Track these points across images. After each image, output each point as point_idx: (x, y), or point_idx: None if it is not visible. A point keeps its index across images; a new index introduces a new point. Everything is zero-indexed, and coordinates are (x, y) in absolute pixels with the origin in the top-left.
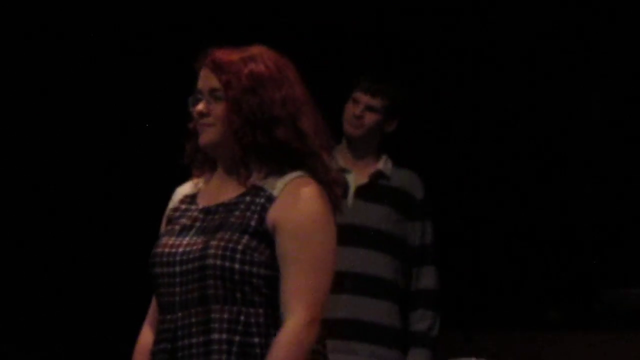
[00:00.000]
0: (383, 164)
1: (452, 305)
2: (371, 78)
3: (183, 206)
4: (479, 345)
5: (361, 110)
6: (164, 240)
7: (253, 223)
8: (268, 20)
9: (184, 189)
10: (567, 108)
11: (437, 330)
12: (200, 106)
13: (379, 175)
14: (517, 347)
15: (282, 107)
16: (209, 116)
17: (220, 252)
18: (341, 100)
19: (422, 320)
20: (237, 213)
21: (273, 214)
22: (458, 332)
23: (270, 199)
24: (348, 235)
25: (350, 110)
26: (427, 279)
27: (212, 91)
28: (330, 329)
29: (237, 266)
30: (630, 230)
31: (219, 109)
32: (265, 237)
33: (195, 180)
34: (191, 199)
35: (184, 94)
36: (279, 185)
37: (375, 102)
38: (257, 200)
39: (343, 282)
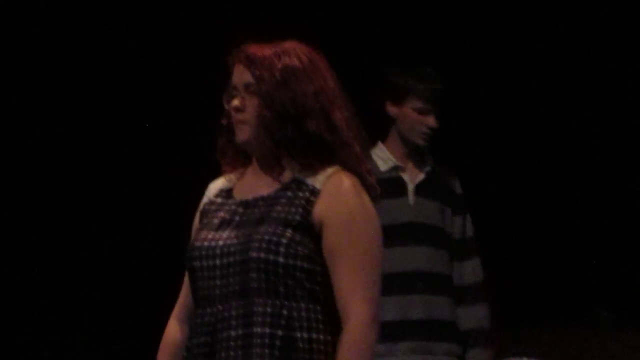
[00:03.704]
0: (432, 162)
1: (502, 304)
2: (428, 83)
3: (219, 200)
4: (529, 345)
5: (435, 120)
6: (202, 234)
7: (298, 217)
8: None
9: (218, 184)
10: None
11: (488, 320)
12: (236, 101)
13: (433, 172)
14: (567, 346)
15: (315, 100)
16: (244, 112)
17: (264, 245)
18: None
19: (473, 317)
20: (278, 207)
21: (319, 208)
22: (507, 331)
23: (314, 193)
24: (413, 233)
25: (420, 121)
26: (474, 272)
27: (247, 86)
28: (405, 330)
29: (281, 259)
30: None
31: (253, 104)
32: (310, 230)
33: (227, 176)
34: (227, 192)
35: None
36: (320, 179)
37: (437, 107)
38: (300, 194)
39: (414, 283)
